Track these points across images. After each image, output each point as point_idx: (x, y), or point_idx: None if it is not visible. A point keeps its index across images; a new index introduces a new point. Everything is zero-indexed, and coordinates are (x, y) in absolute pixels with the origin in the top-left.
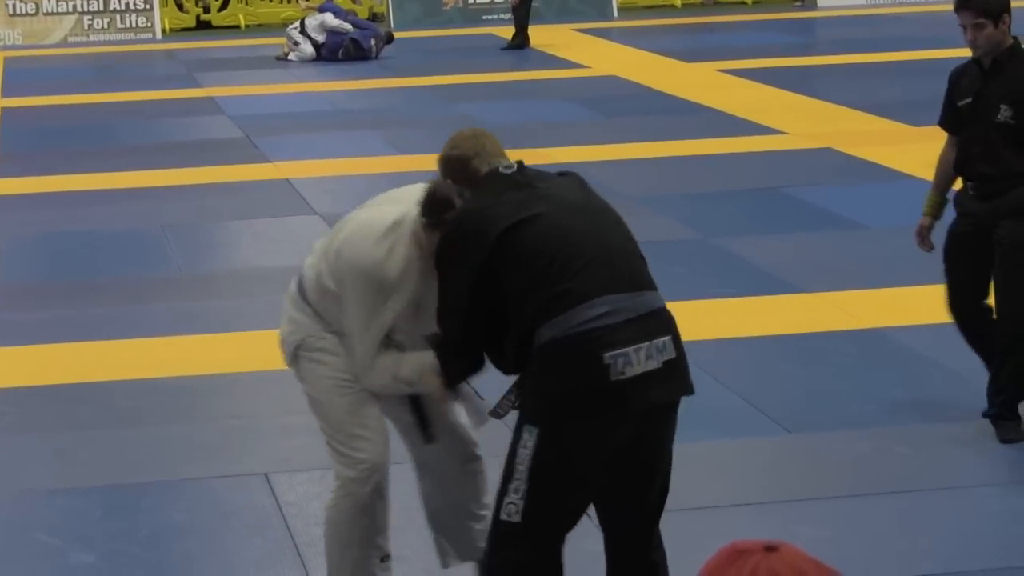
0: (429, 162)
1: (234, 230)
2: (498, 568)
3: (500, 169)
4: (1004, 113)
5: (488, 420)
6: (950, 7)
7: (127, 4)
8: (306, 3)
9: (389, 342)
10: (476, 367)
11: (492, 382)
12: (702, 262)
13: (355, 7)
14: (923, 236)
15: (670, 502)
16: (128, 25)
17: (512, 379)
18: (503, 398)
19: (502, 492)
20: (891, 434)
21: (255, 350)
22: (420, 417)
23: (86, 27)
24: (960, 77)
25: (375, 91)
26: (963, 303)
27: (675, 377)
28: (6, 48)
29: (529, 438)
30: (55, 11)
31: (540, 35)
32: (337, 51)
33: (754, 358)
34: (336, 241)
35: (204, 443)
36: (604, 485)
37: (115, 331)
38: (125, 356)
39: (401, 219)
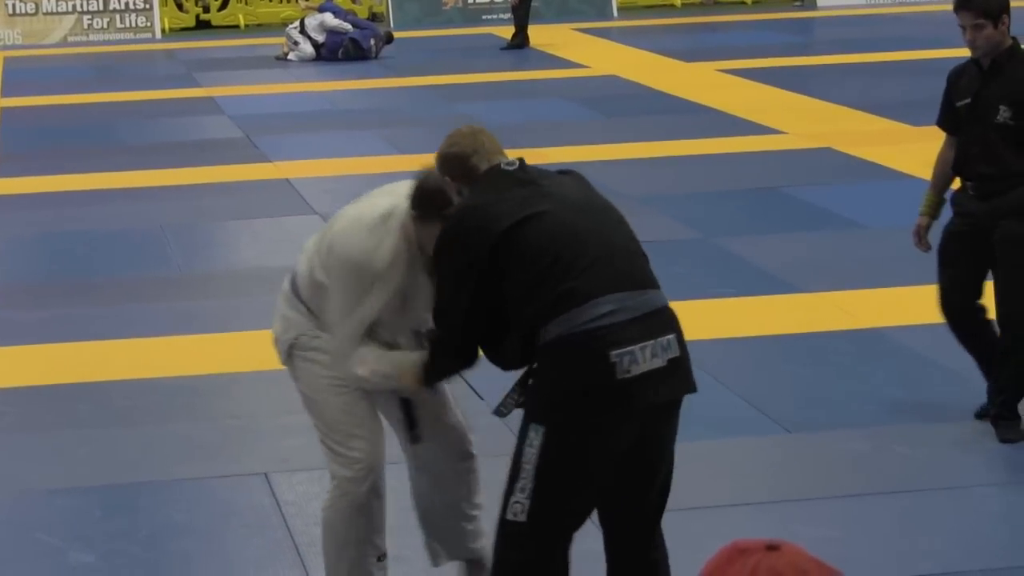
0: (429, 162)
1: (233, 230)
2: (503, 568)
3: (502, 166)
4: (1003, 114)
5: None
6: (950, 7)
7: (127, 4)
8: (306, 3)
9: (375, 339)
10: (468, 365)
11: (492, 382)
12: (702, 262)
13: (355, 7)
14: (921, 236)
15: (670, 502)
16: (128, 25)
17: (512, 378)
18: (506, 396)
19: (508, 492)
20: (891, 434)
21: (254, 350)
22: (408, 417)
23: (86, 27)
24: (959, 77)
25: (375, 91)
26: (956, 303)
27: (679, 375)
28: (6, 48)
29: (535, 437)
30: (55, 11)
31: (540, 35)
32: (337, 51)
33: (754, 358)
34: (328, 235)
35: (203, 443)
36: (608, 484)
37: (114, 331)
38: (124, 356)
39: (391, 211)
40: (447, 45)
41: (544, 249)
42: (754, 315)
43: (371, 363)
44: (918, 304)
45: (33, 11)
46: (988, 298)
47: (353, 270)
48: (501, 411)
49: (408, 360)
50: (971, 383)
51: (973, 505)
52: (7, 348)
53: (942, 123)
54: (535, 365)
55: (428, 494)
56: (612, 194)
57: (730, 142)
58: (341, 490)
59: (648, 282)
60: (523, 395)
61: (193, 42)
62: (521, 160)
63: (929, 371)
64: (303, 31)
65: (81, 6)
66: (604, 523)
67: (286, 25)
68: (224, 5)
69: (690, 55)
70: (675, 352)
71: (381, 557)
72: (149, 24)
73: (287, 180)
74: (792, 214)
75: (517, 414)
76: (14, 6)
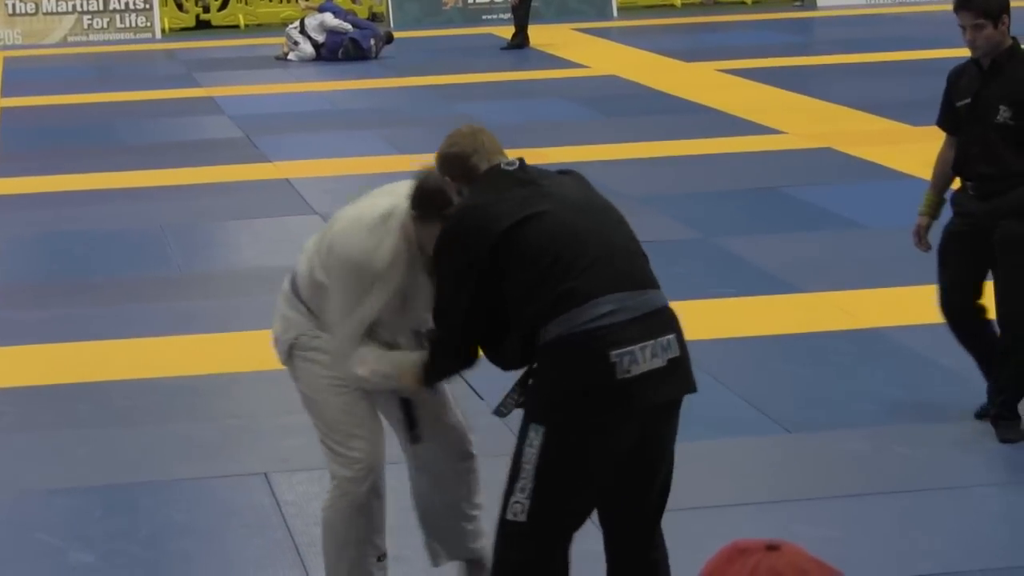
0: (429, 161)
1: (233, 230)
2: (503, 568)
3: (502, 166)
4: (1003, 114)
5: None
6: (950, 7)
7: (127, 4)
8: (306, 3)
9: (375, 339)
10: (467, 365)
11: (492, 382)
12: (702, 262)
13: (355, 7)
14: (920, 236)
15: (670, 502)
16: (128, 25)
17: (512, 378)
18: (506, 397)
19: (508, 492)
20: (891, 434)
21: (254, 350)
22: (408, 417)
23: (86, 27)
24: (959, 77)
25: (375, 91)
26: (956, 303)
27: (679, 375)
28: (6, 48)
29: (535, 437)
30: (55, 11)
31: (540, 35)
32: (337, 51)
33: (754, 358)
34: (328, 236)
35: (203, 443)
36: (608, 484)
37: (114, 331)
38: (124, 356)
39: (391, 211)
40: (447, 45)
41: (544, 249)
42: (754, 315)
43: (371, 363)
44: (918, 304)
45: (33, 11)
46: (988, 298)
47: (353, 270)
48: (501, 411)
49: (408, 360)
50: (971, 383)
51: (973, 505)
52: (7, 348)
53: (942, 123)
54: (535, 365)
55: (428, 494)
56: (612, 194)
57: (730, 142)
58: (341, 490)
59: (648, 282)
60: (523, 395)
61: (193, 42)
62: (521, 160)
63: (929, 371)
64: (303, 31)
65: (81, 6)
66: (604, 523)
67: (286, 25)
68: (224, 5)
69: (690, 55)
70: (675, 352)
71: (381, 557)
72: (149, 24)
73: (287, 180)
74: (792, 214)
75: (517, 414)
76: (14, 6)
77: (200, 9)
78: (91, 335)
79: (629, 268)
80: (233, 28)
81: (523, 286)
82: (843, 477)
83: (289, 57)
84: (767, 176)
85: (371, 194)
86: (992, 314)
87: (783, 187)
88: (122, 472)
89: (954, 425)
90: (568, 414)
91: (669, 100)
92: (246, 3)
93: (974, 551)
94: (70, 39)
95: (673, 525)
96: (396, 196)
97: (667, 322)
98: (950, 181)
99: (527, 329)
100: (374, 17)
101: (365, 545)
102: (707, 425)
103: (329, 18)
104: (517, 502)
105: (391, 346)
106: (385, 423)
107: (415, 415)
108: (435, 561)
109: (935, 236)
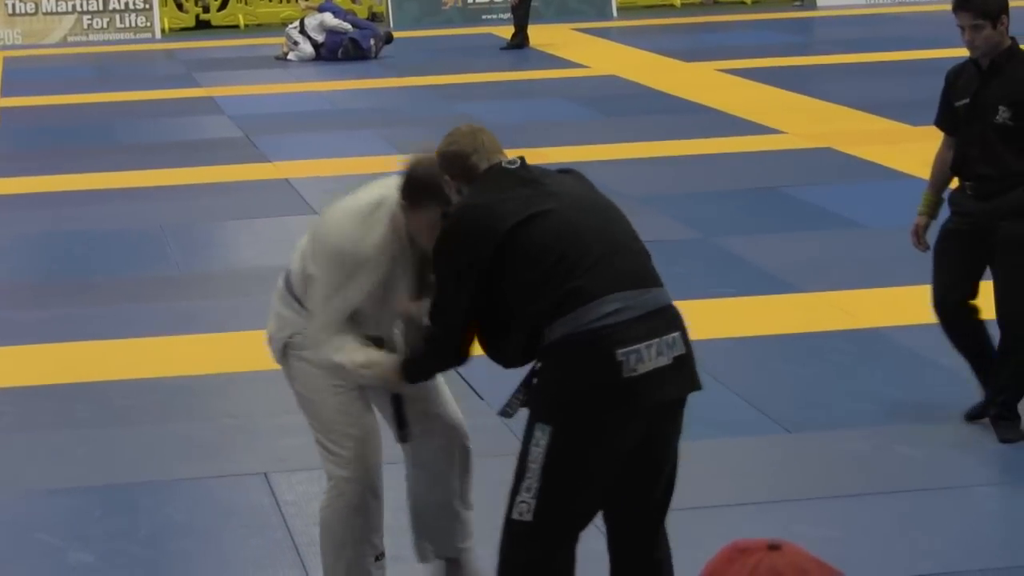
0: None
1: (233, 230)
2: (509, 567)
3: (503, 164)
4: (1003, 114)
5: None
6: (950, 7)
7: (126, 4)
8: (305, 3)
9: (361, 333)
10: (459, 364)
11: (492, 382)
12: (702, 262)
13: (355, 7)
14: (919, 236)
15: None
16: (127, 25)
17: (513, 377)
18: (511, 397)
19: (514, 491)
20: (891, 434)
21: (253, 350)
22: (399, 415)
23: (85, 27)
24: (957, 77)
25: (375, 91)
26: (950, 301)
27: (685, 373)
28: (6, 48)
29: (542, 436)
30: (54, 11)
31: (539, 35)
32: (336, 51)
33: (754, 358)
34: (319, 228)
35: (203, 443)
36: (613, 483)
37: (114, 331)
38: (123, 355)
39: (381, 201)
40: (447, 45)
41: (549, 248)
42: (754, 315)
43: (348, 351)
44: (917, 304)
45: (33, 11)
46: (983, 298)
47: (336, 256)
48: (507, 412)
49: (389, 356)
50: (971, 383)
51: (973, 505)
52: (7, 348)
53: (940, 123)
54: (539, 364)
55: (423, 492)
56: (612, 194)
57: (730, 142)
58: (338, 490)
59: (652, 280)
60: (528, 395)
61: (193, 42)
62: (522, 159)
63: (929, 371)
64: (303, 31)
65: (81, 6)
66: (608, 522)
67: (286, 25)
68: (224, 5)
69: (690, 55)
70: (680, 350)
71: (379, 557)
72: (149, 24)
73: (287, 180)
74: (792, 214)
75: (521, 414)
76: (14, 6)
77: (200, 9)
78: (90, 335)
79: (633, 266)
80: (233, 28)
81: (527, 284)
82: (843, 477)
83: (289, 57)
84: (767, 176)
85: (363, 187)
86: (985, 315)
87: (783, 187)
88: (121, 472)
89: (954, 425)
90: (575, 413)
91: (669, 100)
92: (246, 3)
93: (974, 551)
94: (70, 39)
95: (673, 525)
96: (386, 188)
97: (672, 320)
98: (948, 181)
99: (530, 327)
100: (374, 17)
101: (363, 545)
102: (707, 425)
103: (329, 18)
104: (523, 502)
105: (378, 341)
106: (382, 422)
107: (405, 413)
108: (423, 558)
109: (933, 235)
